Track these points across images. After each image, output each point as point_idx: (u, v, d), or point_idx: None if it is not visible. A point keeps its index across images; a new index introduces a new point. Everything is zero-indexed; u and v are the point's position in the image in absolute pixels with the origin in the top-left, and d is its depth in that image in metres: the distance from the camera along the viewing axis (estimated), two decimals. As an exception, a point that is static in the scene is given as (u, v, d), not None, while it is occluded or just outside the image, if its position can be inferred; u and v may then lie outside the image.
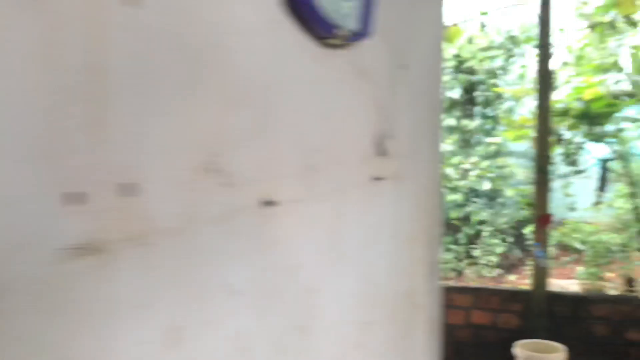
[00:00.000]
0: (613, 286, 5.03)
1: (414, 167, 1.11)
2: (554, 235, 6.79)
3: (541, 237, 4.25)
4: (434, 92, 1.20)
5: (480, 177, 7.21)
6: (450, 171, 6.14)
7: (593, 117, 4.33)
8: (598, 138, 4.49)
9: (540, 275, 4.31)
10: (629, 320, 4.16)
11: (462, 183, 7.37)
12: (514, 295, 4.46)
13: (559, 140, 4.56)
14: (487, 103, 8.25)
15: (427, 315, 1.20)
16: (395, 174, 1.05)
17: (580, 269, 6.39)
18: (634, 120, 4.66)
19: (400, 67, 1.06)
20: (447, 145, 7.57)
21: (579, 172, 5.16)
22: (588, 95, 4.47)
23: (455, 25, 7.24)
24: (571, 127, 4.57)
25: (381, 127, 1.00)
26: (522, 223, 7.88)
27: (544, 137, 4.08)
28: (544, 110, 4.02)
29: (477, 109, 8.63)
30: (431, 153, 1.21)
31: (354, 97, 0.95)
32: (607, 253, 6.29)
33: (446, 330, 4.61)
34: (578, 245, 6.60)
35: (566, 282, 5.47)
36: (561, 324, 4.29)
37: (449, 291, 4.59)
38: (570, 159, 4.73)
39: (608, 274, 6.66)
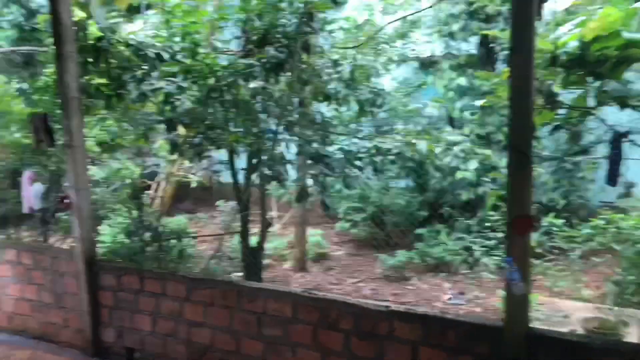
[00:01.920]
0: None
1: None
2: (584, 233, 5.22)
3: (517, 250, 2.81)
4: None
5: (466, 153, 5.61)
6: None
7: (595, 65, 2.72)
8: (617, 100, 2.85)
9: (516, 305, 2.88)
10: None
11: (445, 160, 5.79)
12: (479, 330, 3.06)
13: (551, 103, 2.96)
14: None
15: None
16: None
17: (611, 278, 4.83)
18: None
19: None
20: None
21: (581, 152, 3.54)
22: (591, 32, 2.76)
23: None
24: (566, 83, 2.94)
25: None
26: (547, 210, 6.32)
27: (523, 99, 2.60)
28: (522, 58, 2.53)
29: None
30: None
31: None
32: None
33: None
34: (614, 245, 5.04)
35: (573, 305, 3.93)
36: (546, 378, 2.88)
37: (389, 317, 3.25)
38: (570, 132, 3.12)
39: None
